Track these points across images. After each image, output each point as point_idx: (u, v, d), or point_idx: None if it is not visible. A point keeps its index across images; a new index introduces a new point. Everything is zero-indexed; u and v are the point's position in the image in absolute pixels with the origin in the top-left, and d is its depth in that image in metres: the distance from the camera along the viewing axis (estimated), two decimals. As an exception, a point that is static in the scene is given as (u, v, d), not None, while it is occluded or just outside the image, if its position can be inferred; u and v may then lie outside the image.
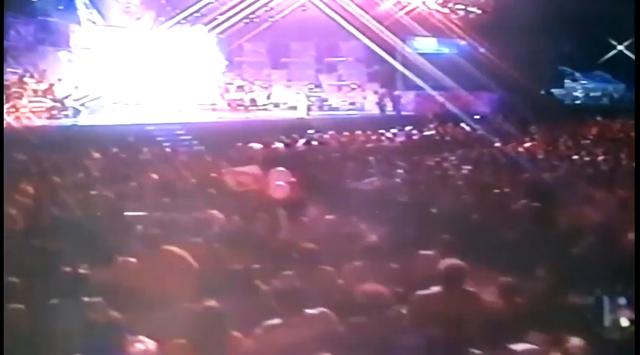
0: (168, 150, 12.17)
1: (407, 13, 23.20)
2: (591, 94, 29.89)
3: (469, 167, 9.27)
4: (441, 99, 23.65)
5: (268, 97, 24.61)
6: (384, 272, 4.42)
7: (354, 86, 25.59)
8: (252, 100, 23.76)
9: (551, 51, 25.68)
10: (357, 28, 22.49)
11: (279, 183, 6.42)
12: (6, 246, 4.47)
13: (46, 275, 3.98)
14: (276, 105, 24.33)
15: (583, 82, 29.96)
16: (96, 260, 4.34)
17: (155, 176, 8.12)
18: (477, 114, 21.02)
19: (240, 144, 12.63)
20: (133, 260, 4.58)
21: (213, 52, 23.75)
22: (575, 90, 29.87)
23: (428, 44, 24.90)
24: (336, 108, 23.76)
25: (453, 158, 10.41)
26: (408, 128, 17.07)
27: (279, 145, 12.48)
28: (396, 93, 23.74)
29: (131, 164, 9.16)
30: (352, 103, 25.01)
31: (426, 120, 19.83)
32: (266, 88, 25.09)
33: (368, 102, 25.35)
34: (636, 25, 19.42)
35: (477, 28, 22.84)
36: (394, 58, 24.59)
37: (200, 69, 23.17)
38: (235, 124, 17.04)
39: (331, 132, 14.63)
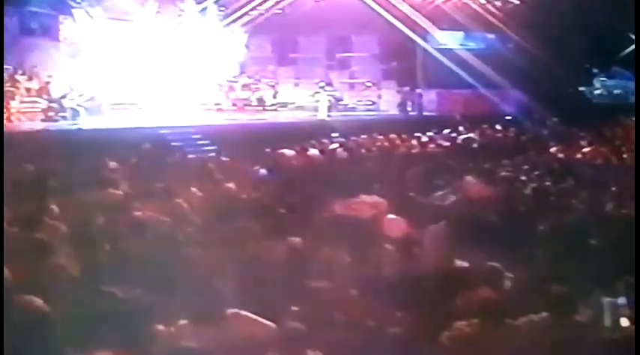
0: (192, 156, 11.38)
1: (443, 3, 22.85)
2: (615, 92, 29.68)
3: (549, 178, 8.62)
4: (463, 98, 23.45)
5: (274, 96, 24.24)
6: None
7: (368, 84, 25.10)
8: (260, 100, 23.40)
9: (578, 46, 25.32)
10: (375, 21, 22.05)
11: (391, 216, 5.77)
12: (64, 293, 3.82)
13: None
14: (284, 106, 24.06)
15: (602, 78, 29.79)
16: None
17: (198, 192, 7.32)
18: (507, 115, 20.59)
19: (268, 150, 11.93)
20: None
21: (216, 46, 23.17)
22: (598, 88, 29.66)
23: (451, 38, 24.39)
24: (353, 109, 23.18)
25: (526, 167, 9.77)
26: (445, 131, 16.51)
27: (314, 152, 11.86)
28: (418, 91, 23.20)
29: (162, 176, 8.34)
30: (371, 103, 24.52)
31: (455, 122, 19.31)
32: (272, 86, 24.60)
33: (384, 102, 24.95)
34: (636, 25, 19.34)
35: (513, 20, 22.46)
36: (414, 53, 24.33)
37: (203, 65, 22.53)
38: (251, 127, 16.63)
39: (363, 136, 14.00)
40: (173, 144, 13.18)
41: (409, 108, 23.62)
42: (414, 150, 12.34)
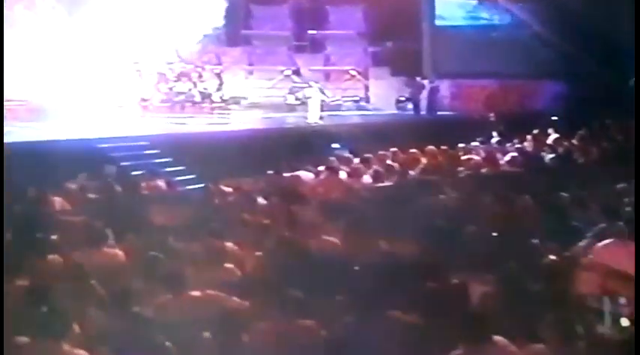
0: (159, 183, 10.82)
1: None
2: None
3: None
4: (485, 91, 23.58)
5: (219, 88, 23.55)
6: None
7: (353, 73, 24.94)
8: (205, 94, 22.73)
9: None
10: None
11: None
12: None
13: None
14: (237, 102, 23.59)
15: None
16: None
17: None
18: (551, 114, 20.65)
19: (270, 172, 11.46)
20: None
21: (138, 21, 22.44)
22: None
23: (466, 10, 24.46)
24: (337, 107, 22.77)
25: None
26: (493, 140, 16.23)
27: (342, 174, 11.45)
28: (424, 82, 22.88)
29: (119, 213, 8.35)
30: (359, 99, 24.45)
31: (488, 126, 19.16)
32: (217, 74, 23.95)
33: (374, 96, 24.83)
34: (636, 25, 20.25)
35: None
36: (417, 29, 24.22)
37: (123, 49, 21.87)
38: (216, 136, 16.03)
39: (383, 152, 13.49)
40: (122, 163, 12.91)
41: (410, 106, 23.38)
42: (483, 171, 11.88)
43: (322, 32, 25.75)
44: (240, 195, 9.87)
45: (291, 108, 22.76)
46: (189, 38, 23.26)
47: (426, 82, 22.85)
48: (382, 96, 24.60)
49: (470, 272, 6.65)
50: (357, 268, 6.45)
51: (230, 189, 10.41)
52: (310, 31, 25.75)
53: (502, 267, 6.50)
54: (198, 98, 22.79)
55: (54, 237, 7.57)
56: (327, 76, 25.53)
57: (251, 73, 25.86)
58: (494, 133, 18.74)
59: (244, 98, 24.29)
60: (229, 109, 22.54)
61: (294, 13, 25.68)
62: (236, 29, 25.22)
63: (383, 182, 11.10)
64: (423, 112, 22.48)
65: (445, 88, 23.54)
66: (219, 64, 24.70)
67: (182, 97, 22.70)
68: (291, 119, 20.89)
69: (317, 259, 6.70)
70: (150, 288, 5.95)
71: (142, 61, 22.85)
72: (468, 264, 6.93)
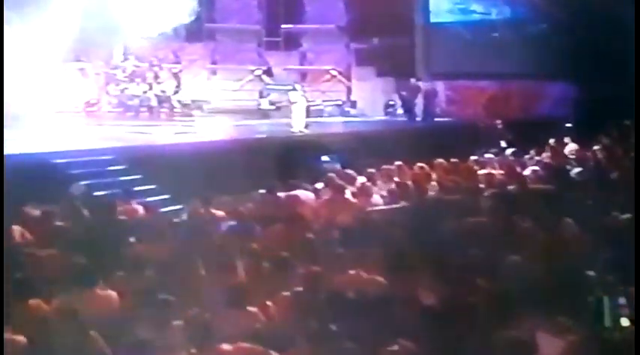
0: (135, 206, 10.61)
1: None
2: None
3: None
4: (486, 94, 23.73)
5: (176, 91, 23.59)
6: None
7: (334, 73, 25.14)
8: (162, 98, 22.82)
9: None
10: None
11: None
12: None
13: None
14: (199, 107, 23.61)
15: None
16: None
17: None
18: (565, 120, 20.85)
19: (262, 191, 11.58)
20: None
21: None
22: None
23: (464, 2, 24.65)
24: (319, 113, 22.67)
25: None
26: (508, 152, 16.21)
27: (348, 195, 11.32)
28: (417, 83, 22.80)
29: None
30: (342, 103, 24.64)
31: (494, 134, 19.39)
32: (175, 74, 24.10)
33: (357, 100, 25.03)
34: (636, 25, 20.72)
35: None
36: (407, 24, 24.28)
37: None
38: (186, 149, 15.79)
39: (387, 166, 13.36)
40: (87, 181, 12.49)
41: (400, 111, 23.58)
42: (508, 188, 11.77)
43: (298, 26, 25.88)
44: (237, 221, 9.55)
45: (265, 114, 22.72)
46: (142, 32, 22.83)
47: (420, 83, 22.79)
48: (367, 99, 24.77)
49: (532, 314, 6.53)
50: (405, 311, 6.24)
51: (221, 213, 10.12)
52: (284, 25, 25.84)
53: (572, 308, 6.38)
54: (154, 102, 22.83)
55: (19, 275, 7.15)
56: (303, 76, 25.66)
57: (214, 72, 25.89)
58: (503, 143, 18.83)
59: (207, 102, 24.23)
60: (192, 116, 22.58)
61: (265, 3, 25.72)
62: (198, 22, 24.74)
63: (397, 203, 10.90)
64: (418, 118, 22.41)
65: (440, 90, 23.55)
66: (178, 62, 24.77)
67: (136, 101, 22.73)
68: (264, 127, 20.63)
69: (356, 300, 6.45)
70: (166, 341, 5.65)
71: (85, 58, 22.76)
72: (525, 304, 6.80)
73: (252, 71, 24.79)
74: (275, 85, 23.76)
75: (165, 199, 12.67)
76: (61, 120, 19.35)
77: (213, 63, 25.84)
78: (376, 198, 11.40)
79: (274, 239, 8.96)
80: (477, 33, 23.72)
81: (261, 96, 23.95)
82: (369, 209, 10.69)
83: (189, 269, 7.38)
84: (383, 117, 23.58)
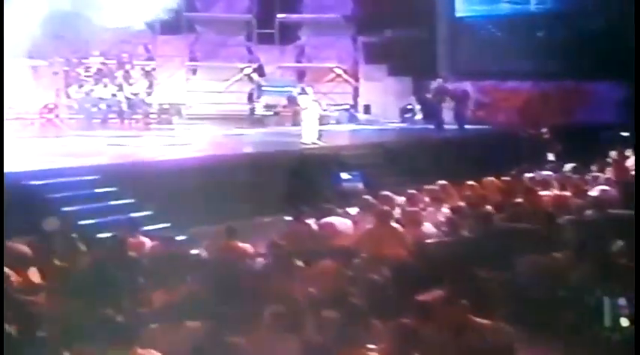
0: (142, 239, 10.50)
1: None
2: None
3: None
4: (522, 96, 23.68)
5: (149, 92, 23.79)
6: None
7: (338, 71, 25.24)
8: (134, 102, 22.89)
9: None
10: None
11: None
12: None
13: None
14: (177, 112, 23.74)
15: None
16: None
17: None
18: (620, 128, 20.79)
19: (266, 219, 12.46)
20: None
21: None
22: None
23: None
24: (325, 120, 22.54)
25: None
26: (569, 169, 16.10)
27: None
28: (446, 85, 22.63)
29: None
30: (349, 107, 24.70)
31: (539, 143, 19.50)
32: (148, 73, 24.31)
33: (368, 102, 25.17)
34: (636, 25, 21.19)
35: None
36: (427, 14, 24.35)
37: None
38: (181, 165, 15.68)
39: (430, 186, 13.23)
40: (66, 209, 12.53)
41: (419, 117, 23.73)
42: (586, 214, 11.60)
43: (295, 16, 25.98)
44: (273, 256, 9.37)
45: (260, 121, 22.68)
46: (108, 22, 22.81)
47: (449, 84, 22.79)
48: (378, 103, 24.95)
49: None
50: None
51: (249, 247, 9.94)
52: (279, 15, 25.87)
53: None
54: (125, 106, 22.82)
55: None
56: (300, 75, 25.79)
57: (195, 71, 25.93)
58: (551, 155, 18.79)
59: (186, 106, 24.55)
60: (172, 123, 22.57)
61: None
62: (175, 11, 24.64)
63: (458, 233, 10.68)
64: (448, 126, 22.37)
65: (468, 90, 23.40)
66: (151, 58, 25.04)
67: (103, 106, 22.67)
68: (261, 137, 20.65)
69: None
70: None
71: (40, 54, 22.78)
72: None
73: (241, 69, 24.91)
74: (271, 86, 23.71)
75: (166, 228, 12.32)
76: (11, 129, 19.02)
77: (193, 59, 25.91)
78: (428, 227, 11.18)
79: (323, 280, 8.71)
80: (508, 26, 23.84)
81: (250, 100, 24.03)
82: (426, 241, 10.48)
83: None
84: (399, 124, 23.67)
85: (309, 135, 18.11)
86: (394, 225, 11.12)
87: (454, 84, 22.82)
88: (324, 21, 25.45)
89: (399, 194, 13.02)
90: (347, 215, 11.93)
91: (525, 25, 24.11)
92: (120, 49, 23.78)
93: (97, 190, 13.45)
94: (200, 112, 24.25)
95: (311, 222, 11.39)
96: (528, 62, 23.24)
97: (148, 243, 10.27)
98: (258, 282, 8.78)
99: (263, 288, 8.40)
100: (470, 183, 13.53)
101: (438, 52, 24.64)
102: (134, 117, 22.58)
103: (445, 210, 11.93)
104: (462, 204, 12.18)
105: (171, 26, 25.05)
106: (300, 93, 19.37)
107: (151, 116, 22.83)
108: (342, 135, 21.70)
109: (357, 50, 25.82)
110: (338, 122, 23.40)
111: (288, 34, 26.09)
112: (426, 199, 12.95)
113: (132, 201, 13.33)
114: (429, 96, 22.71)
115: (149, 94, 23.79)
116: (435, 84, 22.83)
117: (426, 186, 13.36)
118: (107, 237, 9.90)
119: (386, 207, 11.61)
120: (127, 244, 9.49)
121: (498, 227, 11.04)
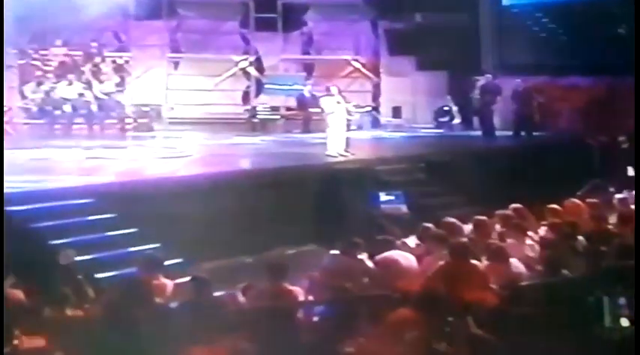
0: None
1: None
2: None
3: None
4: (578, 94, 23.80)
5: (121, 89, 23.96)
6: None
7: (356, 64, 25.44)
8: (106, 102, 22.87)
9: None
10: None
11: None
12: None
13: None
14: (157, 114, 24.27)
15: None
16: None
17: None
18: None
19: (335, 252, 11.58)
20: None
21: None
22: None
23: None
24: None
25: None
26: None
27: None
28: (496, 82, 22.78)
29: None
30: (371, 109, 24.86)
31: (615, 153, 19.64)
32: (119, 66, 24.76)
33: (388, 103, 25.53)
34: (636, 25, 21.71)
35: None
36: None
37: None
38: (182, 183, 15.78)
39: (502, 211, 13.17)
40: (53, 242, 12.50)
41: (457, 121, 23.98)
42: None
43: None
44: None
45: (263, 126, 22.73)
46: (73, 5, 22.87)
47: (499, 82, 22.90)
48: (405, 104, 25.16)
49: None
50: None
51: (298, 289, 9.78)
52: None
53: None
54: (95, 108, 22.88)
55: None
56: (308, 69, 26.03)
57: (177, 65, 26.06)
58: (630, 169, 18.71)
59: (167, 107, 24.88)
60: (152, 129, 23.06)
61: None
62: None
63: (557, 271, 10.53)
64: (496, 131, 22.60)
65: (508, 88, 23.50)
66: (124, 49, 25.32)
67: (68, 108, 22.71)
68: (263, 146, 20.79)
69: None
70: None
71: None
72: None
73: (236, 63, 24.95)
74: (274, 83, 23.80)
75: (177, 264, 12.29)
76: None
77: (175, 51, 25.96)
78: (516, 264, 11.02)
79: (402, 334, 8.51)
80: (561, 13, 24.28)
81: (246, 100, 24.18)
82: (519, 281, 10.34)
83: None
84: (435, 130, 23.86)
85: (335, 145, 18.07)
86: (473, 261, 11.10)
87: (507, 81, 22.91)
88: (337, 3, 25.68)
89: (463, 221, 13.08)
90: (405, 247, 11.94)
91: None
92: (89, 37, 24.10)
93: (90, 217, 13.46)
94: (184, 115, 24.54)
95: (363, 256, 11.35)
96: (589, 54, 23.46)
97: (169, 285, 10.20)
98: (321, 338, 8.87)
99: (328, 347, 8.56)
100: (552, 206, 13.58)
101: (481, 42, 24.65)
102: (106, 121, 22.67)
103: (529, 241, 11.80)
104: (549, 234, 12.09)
105: (151, 10, 24.96)
106: (325, 95, 19.33)
107: (127, 120, 22.93)
108: (369, 144, 21.89)
109: (378, 38, 26.06)
110: (359, 127, 23.31)
111: (292, 19, 26.14)
112: (497, 227, 13.02)
113: (134, 230, 13.33)
114: (476, 95, 22.78)
115: (119, 91, 23.96)
116: (482, 81, 22.86)
117: (498, 212, 13.23)
118: (126, 280, 9.90)
119: (462, 239, 11.54)
120: (150, 287, 9.34)
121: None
